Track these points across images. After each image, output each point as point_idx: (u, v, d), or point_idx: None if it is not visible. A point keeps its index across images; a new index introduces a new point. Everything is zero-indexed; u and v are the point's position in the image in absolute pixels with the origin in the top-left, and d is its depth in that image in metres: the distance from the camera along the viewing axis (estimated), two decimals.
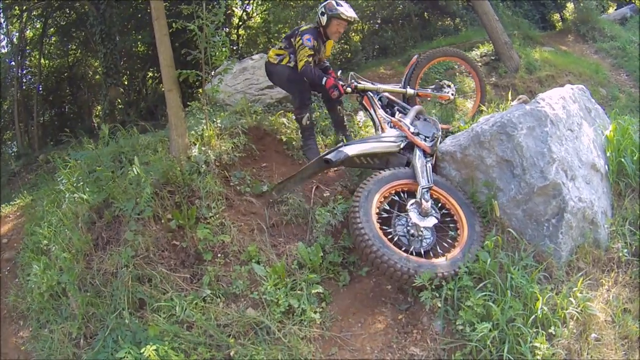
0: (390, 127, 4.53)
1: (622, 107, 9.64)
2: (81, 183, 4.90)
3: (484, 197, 3.94)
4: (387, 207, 3.86)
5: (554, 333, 3.04)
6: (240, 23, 16.98)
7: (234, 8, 15.98)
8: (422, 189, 3.80)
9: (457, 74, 8.52)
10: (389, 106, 5.02)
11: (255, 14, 17.54)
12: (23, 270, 4.79)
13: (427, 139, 4.28)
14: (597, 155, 4.13)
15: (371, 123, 5.11)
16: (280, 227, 4.30)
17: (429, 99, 5.54)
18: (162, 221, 4.11)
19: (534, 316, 3.05)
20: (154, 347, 3.19)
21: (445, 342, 3.18)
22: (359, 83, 5.08)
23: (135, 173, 4.10)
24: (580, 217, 3.65)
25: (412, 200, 3.78)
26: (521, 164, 3.73)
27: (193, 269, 3.91)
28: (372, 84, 5.11)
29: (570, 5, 19.85)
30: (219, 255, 3.96)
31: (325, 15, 5.08)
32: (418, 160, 4.01)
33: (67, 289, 4.04)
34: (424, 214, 3.72)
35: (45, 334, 3.97)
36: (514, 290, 3.20)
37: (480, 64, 9.99)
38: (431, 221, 3.72)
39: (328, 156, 3.88)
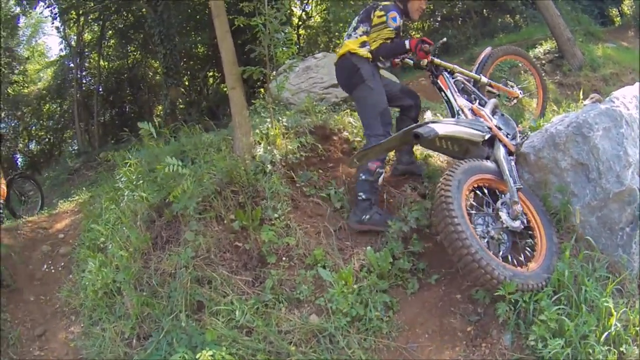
0: (472, 115, 4.19)
1: None
2: (141, 181, 4.93)
3: (557, 202, 3.73)
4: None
5: (624, 352, 2.85)
6: (300, 23, 17.21)
7: (293, 8, 16.09)
8: (514, 188, 3.54)
9: (522, 72, 8.25)
10: (464, 92, 4.54)
11: (314, 14, 17.65)
12: (78, 266, 4.88)
13: (508, 135, 4.04)
14: None
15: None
16: (347, 231, 4.19)
17: (498, 92, 5.16)
18: (225, 222, 4.08)
19: (606, 333, 2.87)
20: (210, 352, 3.13)
21: (514, 358, 3.02)
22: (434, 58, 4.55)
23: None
24: None
25: (503, 199, 3.55)
26: (597, 167, 3.53)
27: (255, 272, 3.86)
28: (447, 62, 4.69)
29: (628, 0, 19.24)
30: (284, 258, 3.88)
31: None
32: (503, 156, 3.76)
33: (122, 287, 4.05)
34: (514, 217, 3.47)
35: (96, 331, 3.98)
36: (588, 304, 3.01)
37: (544, 61, 9.78)
38: (519, 225, 3.49)
39: (419, 130, 3.47)
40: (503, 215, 3.46)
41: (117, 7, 16.07)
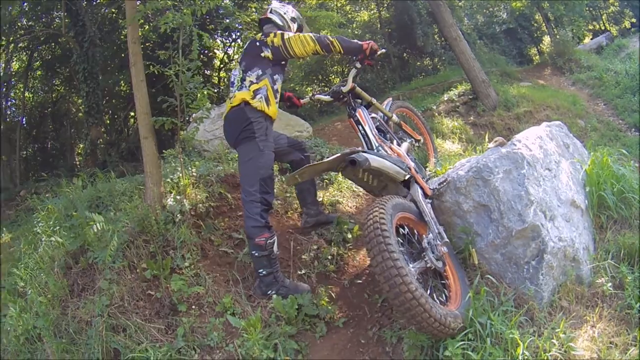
0: (391, 152, 4.17)
1: (600, 137, 9.80)
2: (58, 227, 4.84)
3: (461, 243, 3.88)
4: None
5: None
6: (222, 66, 17.11)
7: (215, 50, 16.07)
8: (439, 229, 3.59)
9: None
10: (379, 130, 4.43)
11: (236, 57, 17.68)
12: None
13: (423, 178, 4.06)
14: (576, 192, 4.13)
15: None
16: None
17: (407, 132, 5.23)
18: (137, 270, 4.06)
19: None
20: None
21: None
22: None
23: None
24: (561, 256, 3.62)
25: (428, 240, 3.49)
26: (498, 208, 3.69)
27: (168, 320, 3.83)
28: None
29: (546, 39, 20.40)
30: (194, 306, 3.89)
31: (296, 23, 4.47)
32: (422, 199, 3.77)
33: (42, 334, 3.94)
34: (438, 257, 3.44)
35: None
36: (494, 337, 3.12)
37: (458, 103, 10.15)
38: (442, 266, 3.47)
39: (356, 157, 3.42)
40: (429, 255, 3.40)
41: (46, 38, 15.76)
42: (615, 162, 4.52)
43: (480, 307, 3.26)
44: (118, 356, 3.64)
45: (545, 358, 3.01)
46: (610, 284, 3.61)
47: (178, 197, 4.57)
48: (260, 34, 4.23)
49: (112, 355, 3.67)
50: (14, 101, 17.96)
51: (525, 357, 2.98)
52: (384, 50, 4.43)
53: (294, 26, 4.48)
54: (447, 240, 3.59)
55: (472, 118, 9.98)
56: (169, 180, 4.90)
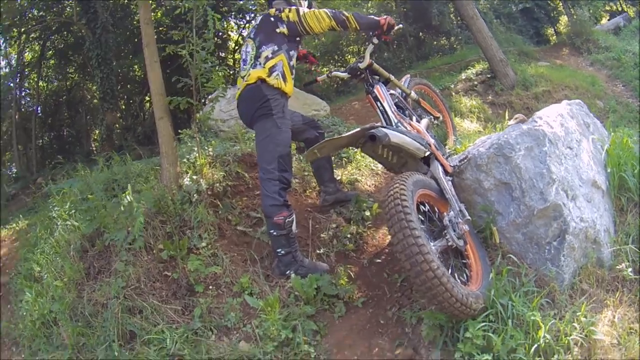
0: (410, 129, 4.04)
1: (619, 118, 9.69)
2: (74, 211, 4.84)
3: (482, 222, 3.79)
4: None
5: None
6: (236, 47, 17.10)
7: (230, 32, 16.03)
8: (460, 206, 3.50)
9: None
10: (398, 107, 4.31)
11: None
12: (16, 296, 4.74)
13: (443, 155, 3.97)
14: (597, 172, 4.02)
15: None
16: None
17: (425, 109, 5.15)
18: (154, 251, 4.04)
19: (536, 345, 2.90)
20: None
21: None
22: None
23: (128, 201, 4.03)
24: (583, 237, 3.53)
25: (449, 217, 3.39)
26: (520, 186, 3.61)
27: (185, 301, 3.82)
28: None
29: (563, 19, 20.13)
30: (211, 287, 3.87)
31: (307, 0, 4.36)
32: (442, 176, 3.68)
33: (58, 318, 3.96)
34: (459, 236, 3.35)
35: None
36: (516, 319, 3.05)
37: (476, 82, 10.06)
38: (463, 244, 3.39)
39: (375, 132, 3.31)
40: (450, 233, 3.32)
41: (58, 27, 15.83)
42: (635, 143, 4.44)
43: (501, 288, 3.18)
44: (134, 338, 3.64)
45: (566, 342, 2.95)
46: (630, 269, 3.52)
47: (194, 177, 4.54)
48: (273, 10, 4.16)
49: (128, 337, 3.67)
50: (28, 91, 18.13)
51: (547, 340, 2.92)
52: (401, 26, 4.37)
53: (305, 4, 4.36)
54: (469, 218, 3.52)
55: (490, 97, 9.92)
56: (185, 160, 4.90)
